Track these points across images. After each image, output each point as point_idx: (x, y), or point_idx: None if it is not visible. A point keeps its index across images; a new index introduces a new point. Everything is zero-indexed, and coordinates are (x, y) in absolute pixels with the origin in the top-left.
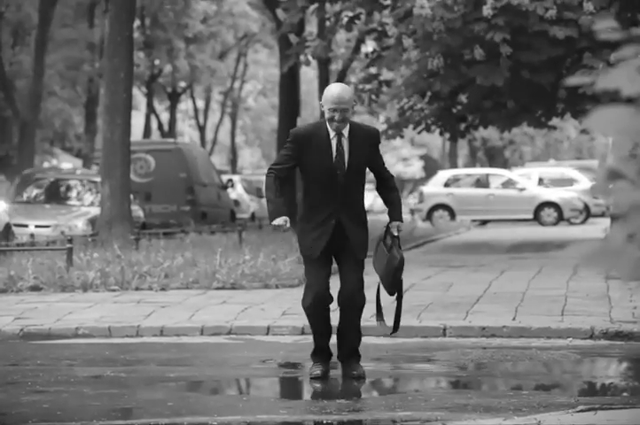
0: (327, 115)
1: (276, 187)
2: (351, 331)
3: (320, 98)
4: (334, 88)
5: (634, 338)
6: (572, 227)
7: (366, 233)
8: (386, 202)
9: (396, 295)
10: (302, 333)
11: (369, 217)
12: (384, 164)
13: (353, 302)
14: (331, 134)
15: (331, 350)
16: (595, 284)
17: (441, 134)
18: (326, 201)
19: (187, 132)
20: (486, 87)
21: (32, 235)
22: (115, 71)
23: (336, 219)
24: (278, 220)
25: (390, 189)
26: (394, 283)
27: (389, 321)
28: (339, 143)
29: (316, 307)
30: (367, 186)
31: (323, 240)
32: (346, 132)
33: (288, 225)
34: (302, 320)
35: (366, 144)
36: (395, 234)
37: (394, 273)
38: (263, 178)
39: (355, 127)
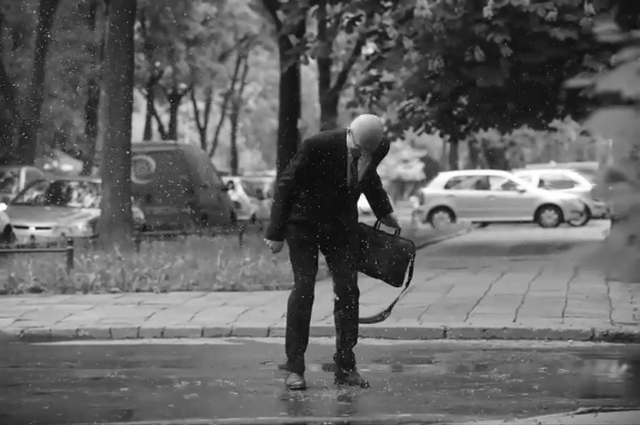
0: (353, 146)
1: (287, 205)
2: (355, 327)
3: (320, 99)
4: (373, 129)
5: (634, 340)
6: (572, 229)
7: (354, 233)
8: (376, 199)
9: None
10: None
11: (370, 219)
12: (376, 170)
13: (355, 293)
14: (349, 154)
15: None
16: (595, 286)
17: (442, 135)
18: (328, 208)
19: (188, 134)
20: (486, 89)
21: (32, 237)
22: (116, 73)
23: (334, 221)
24: (274, 244)
25: (381, 190)
26: (400, 275)
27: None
28: (355, 164)
29: (303, 304)
30: None
31: (315, 234)
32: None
33: (279, 249)
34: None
35: (376, 157)
36: (399, 226)
37: (407, 261)
38: (264, 179)
39: None
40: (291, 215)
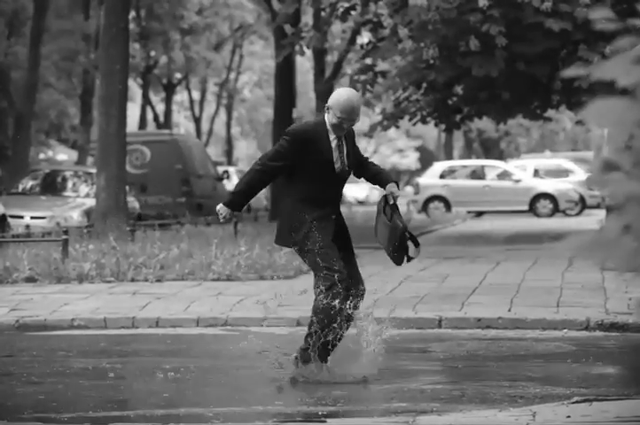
0: (335, 121)
1: (259, 185)
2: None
3: (315, 88)
4: (350, 98)
5: (629, 329)
6: (567, 219)
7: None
8: (372, 176)
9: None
10: (298, 324)
11: (365, 208)
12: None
13: (362, 294)
14: (331, 136)
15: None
16: (590, 275)
17: (436, 125)
18: (326, 199)
19: (183, 123)
20: (481, 78)
21: (27, 227)
22: (111, 62)
23: (335, 214)
24: (225, 211)
25: (371, 164)
26: (399, 252)
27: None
28: (341, 144)
29: (343, 295)
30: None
31: (331, 228)
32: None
33: (227, 217)
34: (298, 312)
35: (353, 141)
36: (391, 202)
37: (399, 242)
38: None
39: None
40: (299, 216)
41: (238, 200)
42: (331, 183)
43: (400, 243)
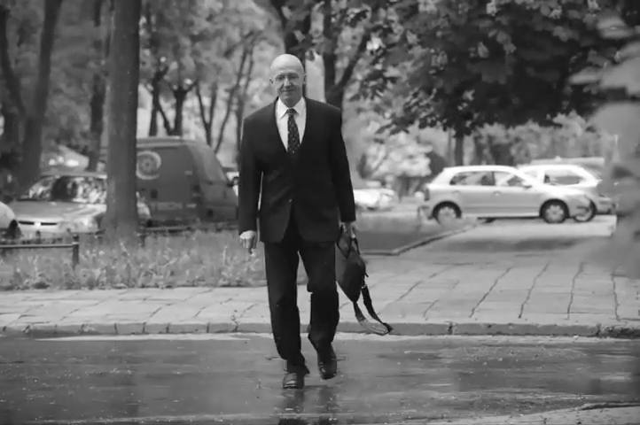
0: (276, 85)
1: (247, 192)
2: (325, 324)
3: (325, 94)
4: (280, 57)
5: None
6: (578, 225)
7: (334, 214)
8: (338, 198)
9: (363, 299)
10: (307, 330)
11: (375, 215)
12: (343, 151)
13: (324, 291)
14: (281, 113)
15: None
16: (601, 282)
17: (445, 129)
18: (281, 181)
19: (193, 129)
20: (491, 84)
21: (38, 233)
22: (121, 68)
23: (292, 199)
24: (245, 234)
25: (344, 183)
26: (353, 291)
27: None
28: (292, 121)
29: (282, 312)
30: (372, 184)
31: (284, 222)
32: (301, 110)
33: (253, 242)
34: (307, 318)
35: (325, 124)
36: (353, 236)
37: (354, 281)
38: None
39: (314, 106)
40: (260, 211)
41: (246, 220)
42: (284, 164)
43: (356, 282)
